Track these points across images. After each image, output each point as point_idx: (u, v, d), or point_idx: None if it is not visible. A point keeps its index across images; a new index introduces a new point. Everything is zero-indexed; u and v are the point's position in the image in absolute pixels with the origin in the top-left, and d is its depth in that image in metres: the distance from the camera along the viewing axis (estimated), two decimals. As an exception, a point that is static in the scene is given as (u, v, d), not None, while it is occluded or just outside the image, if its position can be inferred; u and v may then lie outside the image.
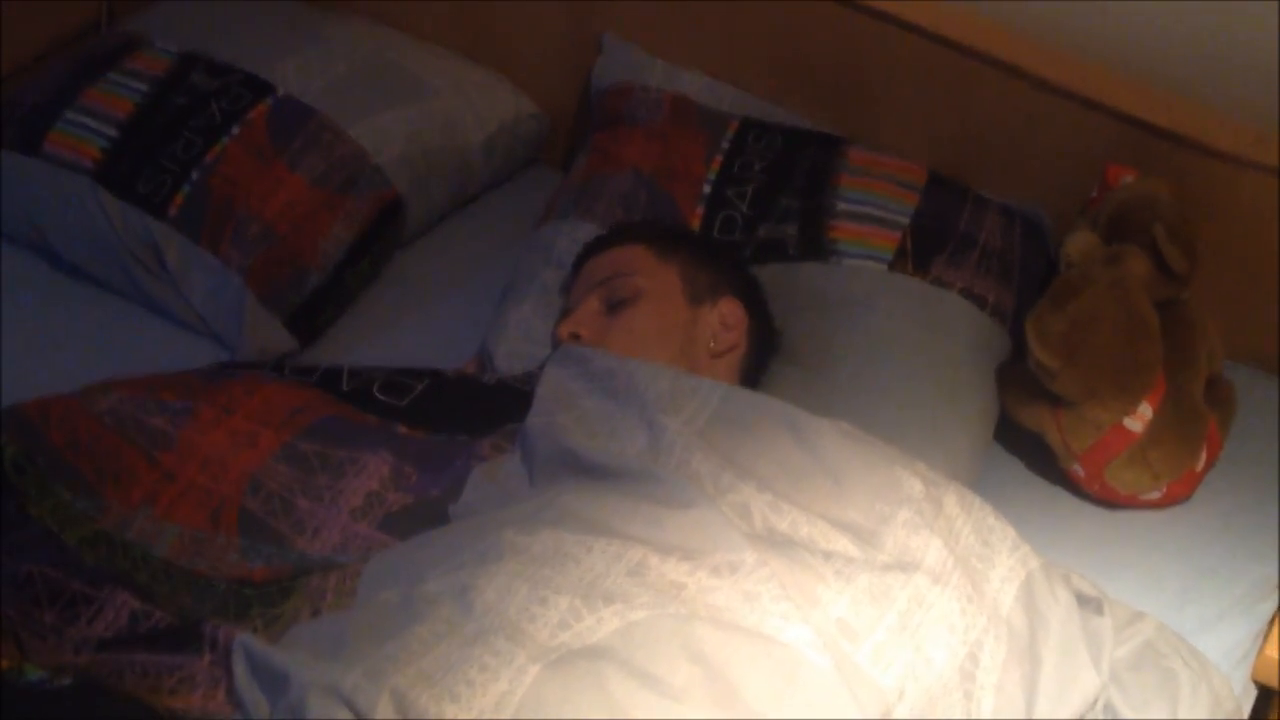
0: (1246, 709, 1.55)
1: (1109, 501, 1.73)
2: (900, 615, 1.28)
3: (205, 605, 1.30)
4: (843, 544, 1.33)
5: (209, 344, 1.83)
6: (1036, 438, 1.73)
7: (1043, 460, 1.75)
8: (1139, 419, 1.67)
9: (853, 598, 1.27)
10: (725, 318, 1.68)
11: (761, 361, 1.72)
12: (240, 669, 1.18)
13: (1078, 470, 1.71)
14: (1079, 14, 1.87)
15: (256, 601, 1.31)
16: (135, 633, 1.24)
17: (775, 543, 1.32)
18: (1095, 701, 1.34)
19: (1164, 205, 1.76)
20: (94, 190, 1.85)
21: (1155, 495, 1.71)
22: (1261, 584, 1.63)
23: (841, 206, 1.88)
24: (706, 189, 1.91)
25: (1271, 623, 1.60)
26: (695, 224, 1.89)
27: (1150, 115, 1.84)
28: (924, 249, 1.83)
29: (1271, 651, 1.56)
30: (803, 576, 1.27)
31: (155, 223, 1.83)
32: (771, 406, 1.49)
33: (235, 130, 1.89)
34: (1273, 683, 1.57)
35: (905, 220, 1.86)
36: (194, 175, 1.85)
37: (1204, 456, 1.71)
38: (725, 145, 1.96)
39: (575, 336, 1.64)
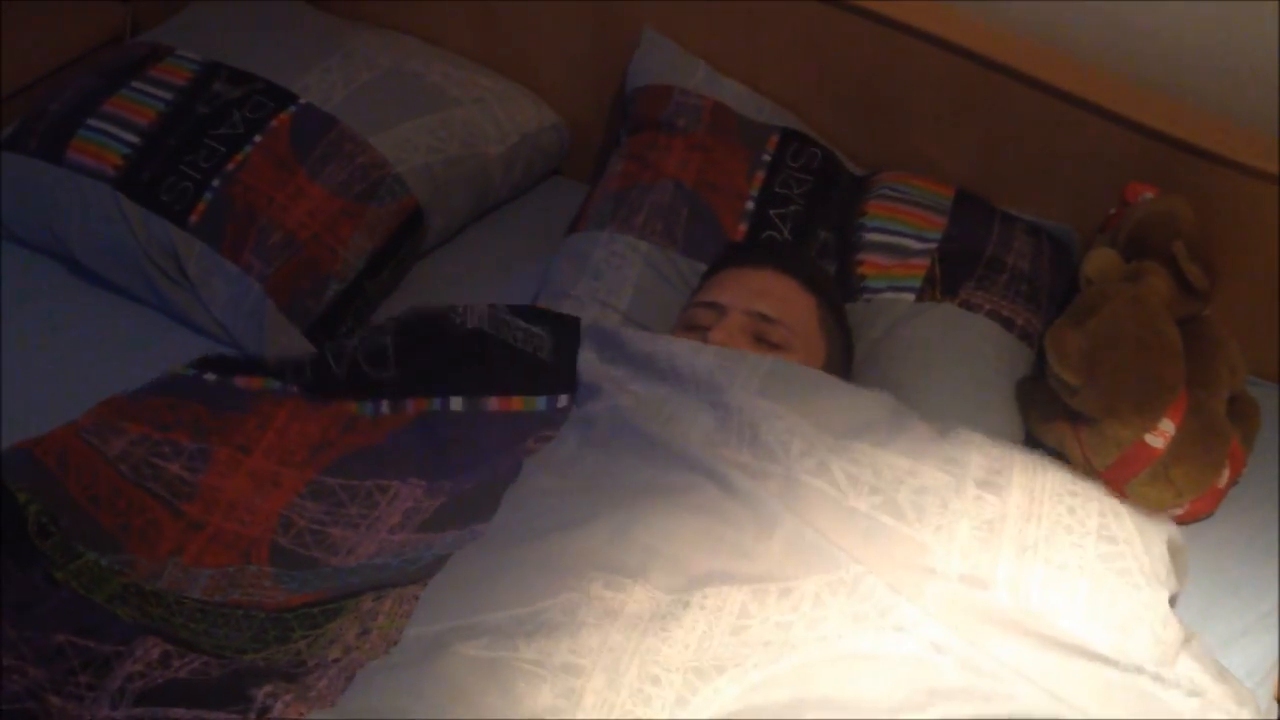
0: (1269, 727, 1.54)
1: (1131, 518, 1.71)
2: (1015, 542, 1.27)
3: (244, 634, 1.28)
4: (930, 474, 1.32)
5: (229, 352, 1.83)
6: (1058, 455, 1.72)
7: (1064, 476, 1.74)
8: (1161, 435, 1.65)
9: (963, 550, 1.26)
10: None
11: None
12: None
13: (1099, 487, 1.70)
14: (1106, 29, 1.87)
15: (298, 625, 1.28)
16: (169, 667, 1.21)
17: (861, 515, 1.29)
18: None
19: (1184, 222, 1.75)
20: (115, 198, 1.86)
21: (1178, 512, 1.69)
22: (1287, 601, 1.62)
23: (868, 238, 1.87)
24: (750, 205, 1.90)
25: (1297, 640, 1.58)
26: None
27: (1175, 130, 1.83)
28: (952, 274, 1.82)
29: (1297, 670, 1.55)
30: (907, 556, 1.25)
31: (176, 231, 1.84)
32: (824, 375, 1.48)
33: (257, 139, 1.89)
34: (1297, 700, 1.55)
35: (932, 247, 1.85)
36: (215, 183, 1.85)
37: (1227, 473, 1.69)
38: (766, 159, 1.94)
39: None
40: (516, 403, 1.50)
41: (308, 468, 1.47)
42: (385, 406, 1.55)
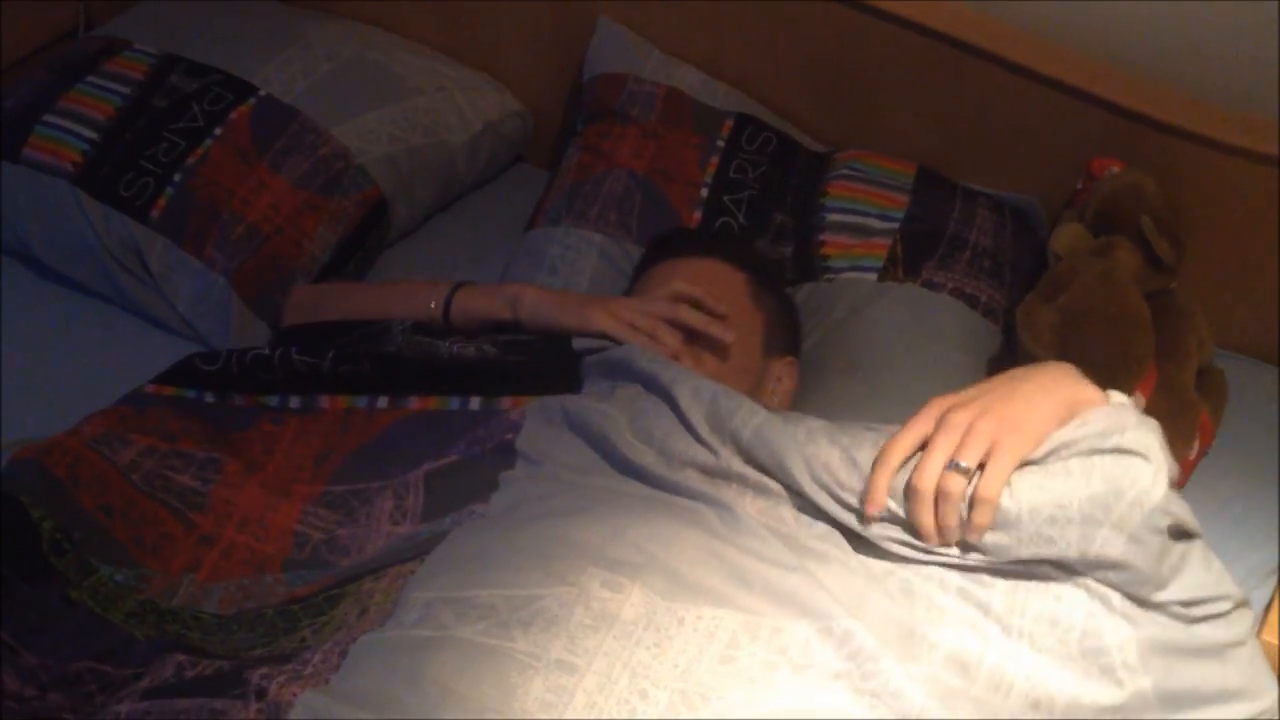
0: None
1: (1102, 491, 1.72)
2: (999, 627, 1.23)
3: (257, 633, 1.28)
4: (916, 580, 1.27)
5: (194, 348, 1.81)
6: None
7: (1036, 452, 1.75)
8: (1131, 409, 1.66)
9: (953, 629, 1.22)
10: (783, 378, 1.65)
11: None
12: None
13: (1071, 461, 1.70)
14: (1065, 6, 1.87)
15: (304, 615, 1.28)
16: (181, 677, 1.21)
17: (860, 577, 1.25)
18: None
19: (1150, 196, 1.76)
20: (74, 194, 1.84)
21: (1148, 485, 1.70)
22: (1258, 570, 1.64)
23: (830, 219, 1.87)
24: (704, 193, 1.90)
25: (1268, 608, 1.59)
26: (693, 229, 1.87)
27: (1137, 104, 1.84)
28: (914, 254, 1.82)
29: (1269, 638, 1.56)
30: (901, 621, 1.22)
31: (138, 226, 1.82)
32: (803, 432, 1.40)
33: (217, 132, 1.87)
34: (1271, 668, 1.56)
35: (894, 226, 1.85)
36: (176, 178, 1.83)
37: (1197, 445, 1.71)
38: (720, 145, 1.94)
39: None
40: (525, 400, 1.48)
41: (317, 480, 1.45)
42: (383, 401, 1.53)
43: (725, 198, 1.89)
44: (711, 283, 1.64)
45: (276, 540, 1.40)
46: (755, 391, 1.60)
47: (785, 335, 1.69)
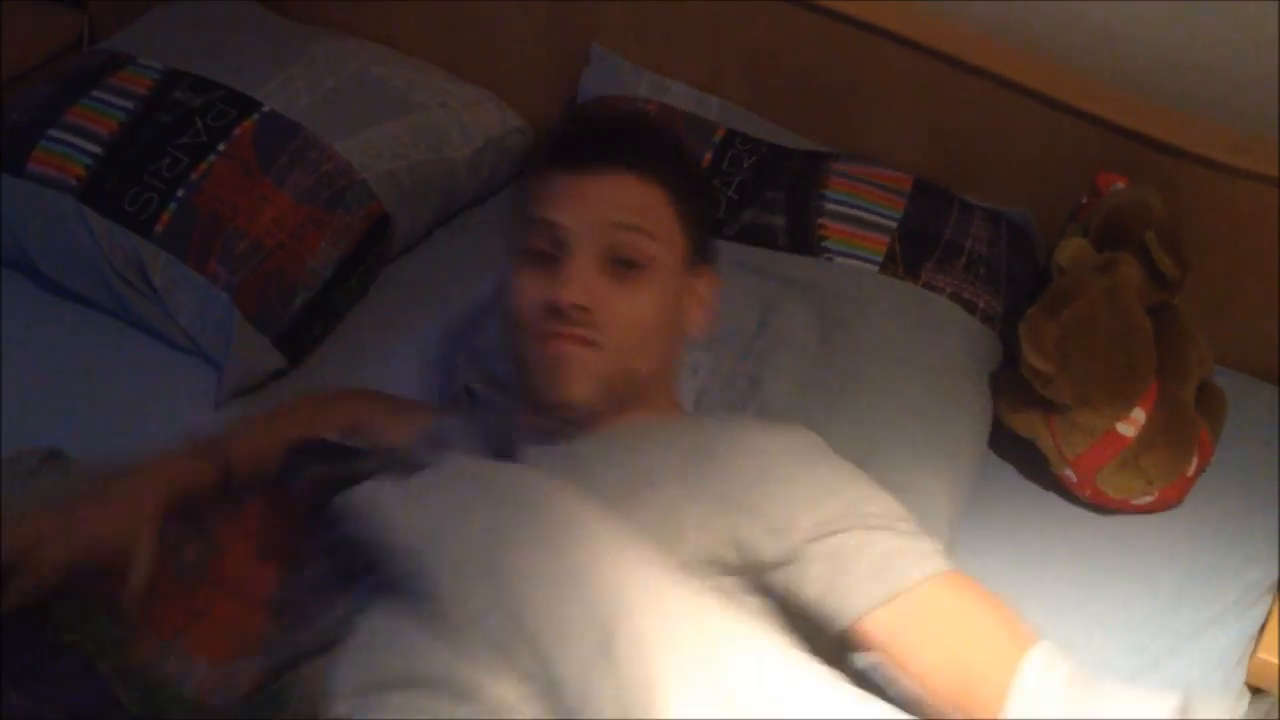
0: (1241, 712, 1.56)
1: (1101, 506, 1.73)
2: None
3: None
4: None
5: (197, 363, 1.83)
6: (1029, 443, 1.74)
7: (1035, 466, 1.75)
8: (1132, 424, 1.67)
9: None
10: (704, 298, 1.46)
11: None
12: None
13: (1070, 475, 1.71)
14: (1063, 23, 1.89)
15: (263, 707, 1.26)
16: None
17: None
18: None
19: (1155, 212, 1.77)
20: (79, 209, 1.84)
21: (1147, 500, 1.71)
22: (1256, 587, 1.64)
23: (829, 206, 1.87)
24: None
25: (1265, 626, 1.60)
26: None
27: (1133, 122, 1.85)
28: (912, 254, 1.82)
29: (1266, 655, 1.56)
30: None
31: (141, 241, 1.82)
32: None
33: (221, 147, 1.88)
34: (1268, 686, 1.57)
35: (893, 224, 1.85)
36: (180, 193, 1.84)
37: (1195, 461, 1.71)
38: (715, 142, 1.95)
39: (583, 310, 1.33)
40: None
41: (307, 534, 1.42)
42: None
43: (715, 180, 1.89)
44: (627, 207, 1.36)
45: (262, 612, 1.36)
46: (677, 319, 1.42)
47: (702, 245, 1.45)
